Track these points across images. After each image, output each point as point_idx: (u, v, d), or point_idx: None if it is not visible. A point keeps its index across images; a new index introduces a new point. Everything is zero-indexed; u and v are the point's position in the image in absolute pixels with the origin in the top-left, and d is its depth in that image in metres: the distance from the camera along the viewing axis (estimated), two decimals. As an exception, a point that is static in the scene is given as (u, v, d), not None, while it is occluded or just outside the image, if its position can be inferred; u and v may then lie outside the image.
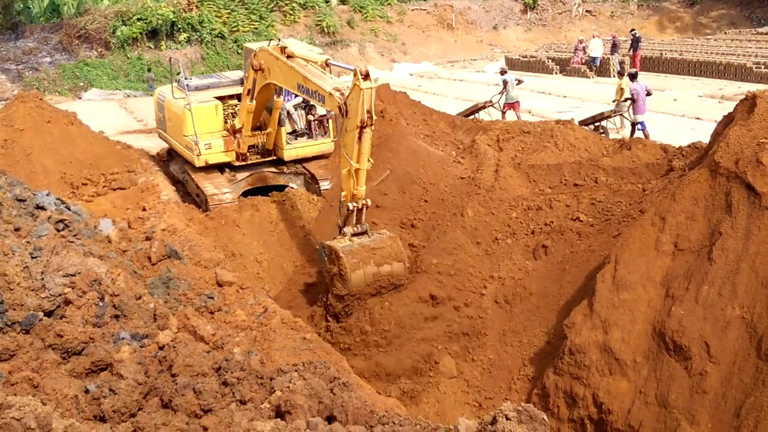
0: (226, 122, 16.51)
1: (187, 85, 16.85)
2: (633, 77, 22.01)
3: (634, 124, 21.29)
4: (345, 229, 12.89)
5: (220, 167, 16.48)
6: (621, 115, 21.96)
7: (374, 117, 12.15)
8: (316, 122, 17.25)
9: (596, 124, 21.36)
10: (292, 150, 16.83)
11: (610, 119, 21.75)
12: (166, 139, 18.21)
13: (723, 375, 8.94)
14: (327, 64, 13.80)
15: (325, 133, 17.30)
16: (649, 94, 21.33)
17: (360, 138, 12.15)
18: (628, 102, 21.26)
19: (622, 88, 22.66)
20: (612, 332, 9.92)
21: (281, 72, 14.14)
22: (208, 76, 19.64)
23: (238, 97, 16.69)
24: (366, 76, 11.75)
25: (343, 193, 12.83)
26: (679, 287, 9.69)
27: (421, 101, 20.70)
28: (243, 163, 16.61)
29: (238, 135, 16.25)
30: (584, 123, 20.42)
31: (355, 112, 11.94)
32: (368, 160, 12.53)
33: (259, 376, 6.35)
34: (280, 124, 16.55)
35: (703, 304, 9.35)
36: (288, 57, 13.97)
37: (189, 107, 16.03)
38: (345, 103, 12.09)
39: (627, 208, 12.35)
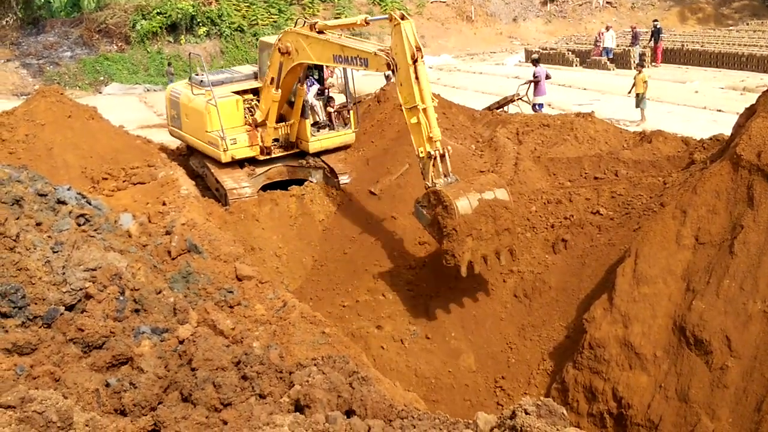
0: (245, 117, 16.55)
1: (202, 81, 16.88)
2: (536, 62, 24.25)
3: (534, 105, 23.01)
4: (436, 182, 12.31)
5: (240, 162, 16.49)
6: (520, 98, 22.89)
7: (422, 48, 12.44)
8: (336, 113, 17.24)
9: (503, 108, 22.30)
10: (316, 142, 16.77)
11: (514, 102, 22.66)
12: (181, 137, 18.10)
13: (744, 370, 8.88)
14: (366, 22, 13.90)
15: (346, 124, 17.25)
16: (548, 77, 23.74)
17: (416, 75, 12.19)
18: (529, 84, 23.09)
19: (645, 81, 22.95)
20: (632, 326, 9.88)
21: (314, 48, 14.44)
22: (218, 71, 19.38)
23: (253, 91, 16.85)
24: (402, 17, 12.24)
25: (419, 149, 12.38)
26: (700, 281, 9.64)
27: (440, 94, 20.65)
28: (267, 157, 16.59)
29: (260, 129, 16.26)
30: (490, 108, 21.42)
31: (403, 52, 12.17)
32: (432, 99, 12.44)
33: (279, 370, 6.37)
34: (304, 115, 16.41)
35: (724, 298, 9.29)
36: (319, 32, 14.39)
37: (213, 102, 16.03)
38: (392, 57, 12.44)
39: (647, 202, 12.28)
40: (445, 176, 12.41)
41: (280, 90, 15.58)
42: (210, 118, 16.09)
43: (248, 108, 16.76)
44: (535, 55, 26.01)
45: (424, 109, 12.27)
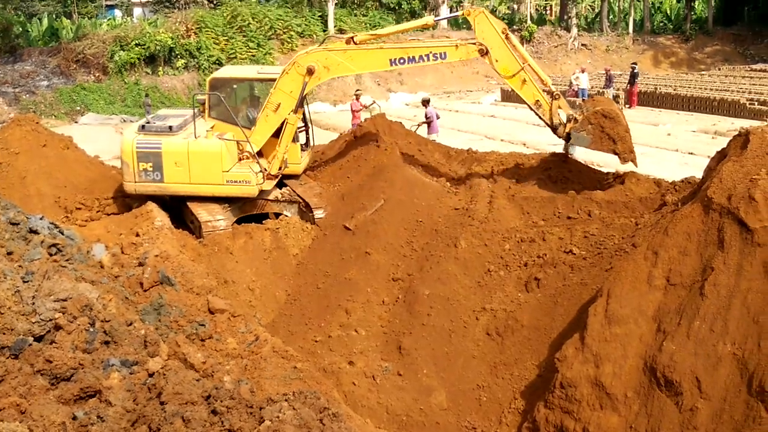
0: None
1: (170, 126, 16.02)
2: (426, 103, 25.67)
3: None
4: (573, 115, 15.67)
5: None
6: None
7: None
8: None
9: None
10: (303, 163, 17.37)
11: None
12: (161, 190, 15.94)
13: (713, 411, 8.92)
14: (435, 24, 16.82)
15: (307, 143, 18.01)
16: (438, 117, 25.55)
17: (511, 43, 15.60)
18: (419, 125, 23.95)
19: None
20: (603, 366, 9.90)
21: (359, 59, 15.86)
22: (158, 116, 17.44)
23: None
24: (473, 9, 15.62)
25: (537, 100, 15.61)
26: (670, 322, 9.69)
27: (416, 131, 20.79)
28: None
29: (257, 158, 16.23)
30: None
31: (492, 31, 15.25)
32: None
33: (249, 405, 6.33)
34: (296, 139, 16.83)
35: (694, 339, 9.34)
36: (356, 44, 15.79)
37: (223, 139, 15.82)
38: (479, 42, 15.25)
39: (620, 242, 12.37)
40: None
41: (298, 113, 16.29)
42: (224, 157, 15.68)
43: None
44: (426, 97, 27.43)
45: (528, 65, 15.62)
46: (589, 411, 9.83)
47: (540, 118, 15.94)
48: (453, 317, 12.84)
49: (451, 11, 57.03)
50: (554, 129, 15.83)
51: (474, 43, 15.38)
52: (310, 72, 15.68)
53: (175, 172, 15.68)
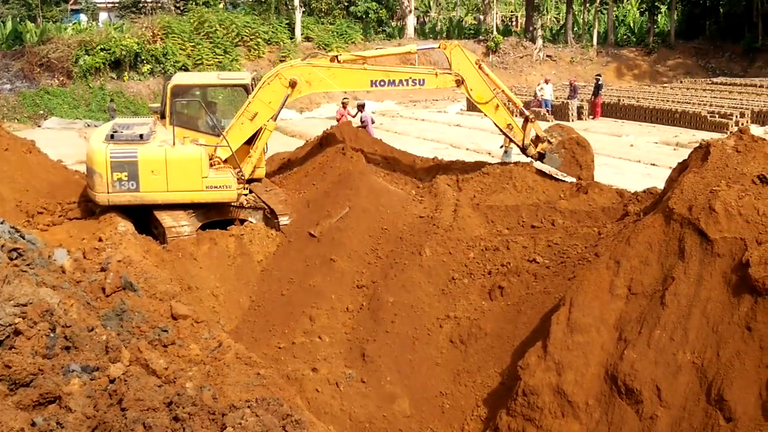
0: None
1: (140, 135, 15.58)
2: (361, 108, 26.67)
3: None
4: (546, 137, 16.88)
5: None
6: None
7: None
8: None
9: None
10: (265, 167, 17.46)
11: None
12: (138, 200, 15.46)
13: (673, 419, 9.02)
14: (415, 52, 18.15)
15: None
16: (373, 122, 26.85)
17: (484, 72, 16.53)
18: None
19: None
20: (565, 374, 9.97)
21: (341, 77, 16.38)
22: (120, 124, 16.51)
23: None
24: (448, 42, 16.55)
25: (508, 124, 16.78)
26: (632, 331, 9.79)
27: (382, 140, 20.82)
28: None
29: (226, 163, 16.16)
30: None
31: (467, 62, 16.26)
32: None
33: (211, 411, 6.30)
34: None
35: (655, 348, 9.45)
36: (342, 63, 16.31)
37: (201, 144, 15.77)
38: (455, 72, 16.20)
39: (582, 251, 12.49)
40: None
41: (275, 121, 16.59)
42: (203, 164, 15.51)
43: None
44: (361, 102, 28.26)
45: (502, 91, 16.78)
46: (551, 419, 9.90)
47: (511, 140, 17.38)
48: (417, 325, 12.87)
49: (417, 21, 57.26)
50: (524, 149, 16.95)
51: (450, 74, 16.25)
52: (292, 85, 15.93)
53: (151, 181, 15.33)
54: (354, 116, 27.27)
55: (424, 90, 25.02)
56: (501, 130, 17.19)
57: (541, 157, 16.83)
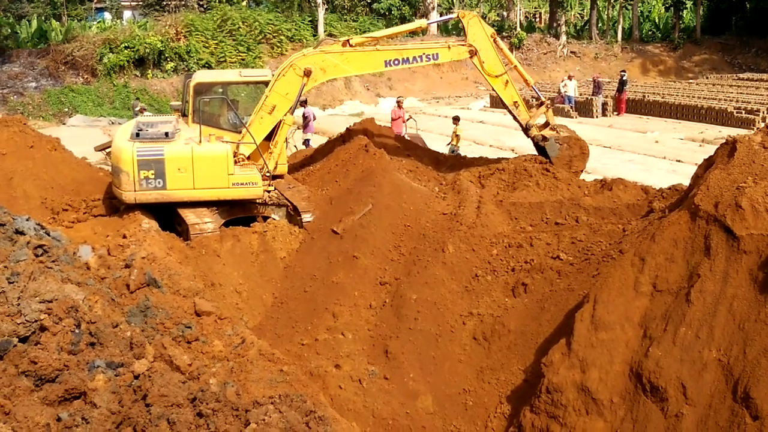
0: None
1: (166, 133, 15.67)
2: (304, 104, 26.77)
3: (304, 141, 26.40)
4: (557, 127, 17.41)
5: None
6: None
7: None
8: None
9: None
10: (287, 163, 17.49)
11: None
12: (165, 197, 15.42)
13: (699, 417, 8.95)
14: (426, 29, 17.74)
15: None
16: (314, 118, 27.31)
17: (498, 46, 16.73)
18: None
19: (457, 135, 26.16)
20: (589, 372, 9.92)
21: (355, 60, 16.43)
22: (144, 123, 16.54)
23: None
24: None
25: (517, 108, 17.14)
26: (656, 328, 9.72)
27: (404, 136, 20.80)
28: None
29: (250, 159, 16.28)
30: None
31: (482, 34, 16.43)
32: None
33: (235, 407, 6.32)
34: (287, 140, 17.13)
35: (680, 345, 9.38)
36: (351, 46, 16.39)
37: (227, 142, 15.76)
38: (468, 44, 16.43)
39: (607, 248, 12.40)
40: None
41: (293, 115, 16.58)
42: (228, 162, 15.52)
43: None
44: (303, 98, 28.13)
45: (515, 67, 17.30)
46: (575, 416, 9.85)
47: (514, 118, 17.52)
48: (440, 322, 12.84)
49: (440, 17, 57.09)
50: (526, 128, 17.41)
51: (464, 45, 16.48)
52: (307, 74, 15.99)
53: (178, 178, 15.32)
54: (407, 120, 26.79)
55: (444, 83, 25.13)
56: (506, 108, 17.49)
57: (542, 140, 17.23)
